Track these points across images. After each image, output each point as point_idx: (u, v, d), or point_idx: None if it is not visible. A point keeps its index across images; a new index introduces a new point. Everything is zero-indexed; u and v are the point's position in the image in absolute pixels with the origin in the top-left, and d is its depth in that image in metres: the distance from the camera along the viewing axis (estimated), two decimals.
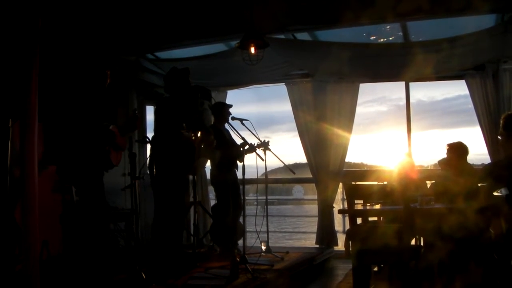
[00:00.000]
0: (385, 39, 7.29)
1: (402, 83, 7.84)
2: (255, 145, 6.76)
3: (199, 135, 6.17)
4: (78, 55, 6.11)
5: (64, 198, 5.65)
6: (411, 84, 7.86)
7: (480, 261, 4.48)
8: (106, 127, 5.18)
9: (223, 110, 7.14)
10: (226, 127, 7.12)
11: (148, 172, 6.23)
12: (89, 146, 4.99)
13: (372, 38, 7.33)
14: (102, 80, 5.23)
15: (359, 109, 8.06)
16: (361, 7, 5.66)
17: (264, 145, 6.83)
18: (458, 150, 5.72)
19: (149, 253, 5.92)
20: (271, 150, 6.89)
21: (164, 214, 5.78)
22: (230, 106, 7.23)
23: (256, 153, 6.80)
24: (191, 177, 6.88)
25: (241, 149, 6.78)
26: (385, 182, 6.53)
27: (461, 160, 5.72)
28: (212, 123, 7.66)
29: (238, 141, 6.86)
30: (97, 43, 6.51)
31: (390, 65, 7.19)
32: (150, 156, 5.95)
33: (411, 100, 7.90)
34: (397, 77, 7.70)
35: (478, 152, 6.84)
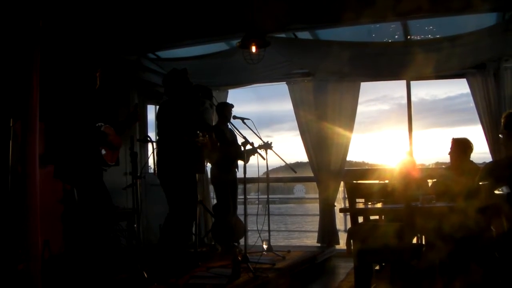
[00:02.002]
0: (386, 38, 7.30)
1: (405, 82, 7.84)
2: (257, 146, 6.77)
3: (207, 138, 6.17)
4: (68, 55, 6.09)
5: (63, 198, 5.66)
6: (413, 82, 7.86)
7: (481, 260, 4.49)
8: (98, 128, 5.15)
9: (224, 110, 7.16)
10: (229, 127, 7.11)
11: (149, 170, 6.23)
12: (82, 147, 4.97)
13: (373, 36, 7.33)
14: (90, 81, 5.20)
15: (361, 108, 8.08)
16: (362, 6, 5.66)
17: (266, 147, 6.85)
18: (461, 146, 5.72)
19: (154, 251, 5.92)
20: (274, 150, 6.91)
21: (178, 215, 5.74)
22: (232, 106, 7.23)
23: (258, 153, 6.81)
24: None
25: (242, 148, 6.80)
26: (387, 181, 6.53)
27: (463, 156, 5.72)
28: (213, 122, 7.68)
29: (241, 141, 6.87)
30: (93, 42, 6.51)
31: (391, 64, 7.19)
32: (157, 159, 5.88)
33: (414, 99, 7.92)
34: (397, 76, 7.70)
35: (480, 150, 6.84)
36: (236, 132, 6.46)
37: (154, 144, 5.86)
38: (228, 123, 7.04)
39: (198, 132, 5.94)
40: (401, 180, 5.89)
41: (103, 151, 5.15)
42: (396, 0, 5.52)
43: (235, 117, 6.77)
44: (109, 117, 5.34)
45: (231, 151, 7.13)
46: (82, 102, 5.07)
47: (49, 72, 5.56)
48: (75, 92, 5.11)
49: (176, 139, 5.71)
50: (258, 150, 6.72)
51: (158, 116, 5.92)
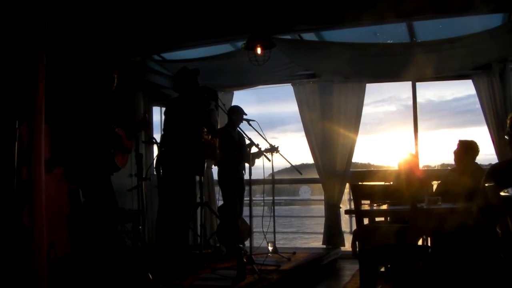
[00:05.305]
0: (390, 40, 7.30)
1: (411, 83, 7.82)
2: (264, 150, 6.79)
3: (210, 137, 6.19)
4: (85, 57, 6.13)
5: (71, 199, 5.67)
6: (420, 83, 7.84)
7: (487, 261, 4.47)
8: (113, 130, 5.19)
9: (232, 115, 7.10)
10: (237, 130, 7.10)
11: (155, 172, 6.26)
12: (94, 149, 4.99)
13: (378, 37, 7.33)
14: (109, 82, 5.24)
15: (367, 109, 8.11)
16: (367, 7, 5.66)
17: (273, 151, 6.87)
18: (465, 148, 5.76)
19: (155, 254, 5.94)
20: (281, 154, 6.92)
21: (167, 215, 5.79)
22: (244, 113, 7.15)
23: (264, 155, 6.84)
24: (197, 178, 6.88)
25: (248, 150, 6.81)
26: (391, 182, 6.53)
27: (467, 158, 5.74)
28: (218, 123, 7.70)
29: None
30: (103, 44, 6.53)
31: (396, 65, 7.17)
32: (158, 156, 5.95)
33: (421, 100, 7.89)
34: (402, 77, 7.66)
35: (486, 152, 6.83)
36: (244, 135, 6.52)
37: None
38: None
39: (203, 128, 5.98)
40: (404, 181, 5.90)
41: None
42: (401, 1, 5.53)
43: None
44: (119, 119, 5.38)
45: (238, 154, 7.13)
46: (99, 103, 5.10)
47: (64, 73, 5.60)
48: (92, 92, 5.14)
49: (180, 136, 5.75)
50: (264, 153, 6.76)
51: (166, 112, 6.04)
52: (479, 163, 5.91)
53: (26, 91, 3.69)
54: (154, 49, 7.87)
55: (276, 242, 7.24)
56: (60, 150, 5.32)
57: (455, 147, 5.91)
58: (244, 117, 6.94)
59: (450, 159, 6.16)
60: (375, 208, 5.51)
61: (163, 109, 6.54)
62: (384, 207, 5.45)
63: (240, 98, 9.21)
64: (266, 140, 6.62)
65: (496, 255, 4.42)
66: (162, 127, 6.24)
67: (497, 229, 4.64)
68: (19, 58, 4.31)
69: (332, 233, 8.00)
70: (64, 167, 5.24)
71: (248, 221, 6.78)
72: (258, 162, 7.13)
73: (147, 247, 6.59)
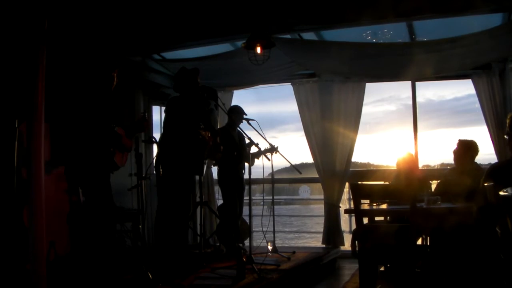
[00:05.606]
0: (389, 34, 7.30)
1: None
2: (264, 150, 6.80)
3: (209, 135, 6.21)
4: (85, 56, 6.13)
5: (71, 199, 5.67)
6: (420, 83, 7.83)
7: (486, 261, 4.47)
8: (112, 128, 5.19)
9: (232, 115, 7.10)
10: (237, 129, 7.10)
11: (154, 171, 6.27)
12: (94, 147, 5.00)
13: (378, 37, 7.33)
14: (108, 81, 5.24)
15: (367, 109, 8.14)
16: (367, 7, 5.67)
17: (272, 151, 6.87)
18: (465, 147, 5.77)
19: (154, 253, 5.95)
20: (281, 153, 6.93)
21: (167, 214, 5.81)
22: (244, 113, 7.15)
23: (264, 155, 6.85)
24: (197, 177, 6.89)
25: (248, 150, 6.81)
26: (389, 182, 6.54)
27: (466, 158, 5.75)
28: (218, 123, 7.69)
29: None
30: (103, 43, 6.54)
31: (395, 65, 7.17)
32: (157, 154, 5.98)
33: (421, 100, 7.95)
34: (402, 77, 7.65)
35: (486, 152, 6.84)
36: (244, 135, 6.53)
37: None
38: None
39: (200, 125, 6.01)
40: (404, 180, 5.90)
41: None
42: (400, 1, 5.54)
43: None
44: (119, 118, 5.38)
45: (238, 153, 7.14)
46: (99, 102, 5.10)
47: (64, 73, 5.61)
48: (92, 91, 5.14)
49: (179, 135, 5.77)
50: (264, 153, 6.78)
51: (166, 110, 6.11)
52: (478, 162, 5.92)
53: (26, 91, 3.69)
54: (154, 49, 7.87)
55: (276, 242, 7.24)
56: (60, 149, 5.32)
57: (454, 146, 5.91)
58: (244, 116, 6.94)
59: (449, 158, 6.17)
60: (374, 207, 5.51)
61: (163, 108, 6.55)
62: (384, 206, 5.46)
63: (240, 97, 9.26)
64: (266, 140, 6.63)
65: (495, 255, 4.43)
66: (162, 126, 6.28)
67: (496, 228, 4.65)
68: (19, 58, 4.32)
69: (332, 232, 8.00)
70: (65, 166, 5.25)
71: (247, 221, 6.78)
72: (258, 161, 7.15)
73: (147, 246, 6.60)
